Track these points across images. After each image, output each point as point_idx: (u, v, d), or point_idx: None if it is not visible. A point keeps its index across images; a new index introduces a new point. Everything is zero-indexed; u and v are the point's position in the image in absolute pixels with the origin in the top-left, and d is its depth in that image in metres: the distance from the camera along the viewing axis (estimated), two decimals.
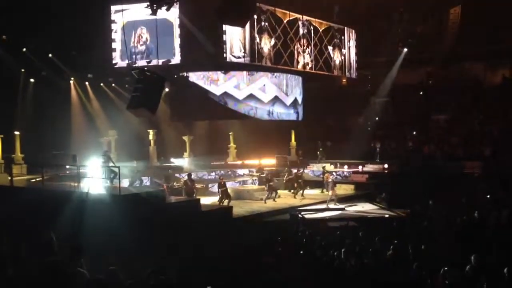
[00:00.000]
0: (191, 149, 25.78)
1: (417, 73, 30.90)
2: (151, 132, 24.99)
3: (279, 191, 21.31)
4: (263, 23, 24.16)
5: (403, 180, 21.12)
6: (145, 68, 12.48)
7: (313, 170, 25.37)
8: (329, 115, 30.79)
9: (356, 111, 30.39)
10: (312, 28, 27.00)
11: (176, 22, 22.60)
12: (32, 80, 23.41)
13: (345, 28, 28.96)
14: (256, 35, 23.87)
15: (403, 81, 30.00)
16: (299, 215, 16.71)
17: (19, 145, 20.96)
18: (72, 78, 24.81)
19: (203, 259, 9.34)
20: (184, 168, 23.92)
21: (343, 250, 9.09)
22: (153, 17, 11.44)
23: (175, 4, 12.02)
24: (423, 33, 28.56)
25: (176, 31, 22.69)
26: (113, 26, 22.97)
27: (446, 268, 7.21)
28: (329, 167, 23.76)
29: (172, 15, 21.59)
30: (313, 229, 12.92)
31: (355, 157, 25.68)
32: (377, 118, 30.52)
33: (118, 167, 14.93)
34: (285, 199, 21.12)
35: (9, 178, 17.03)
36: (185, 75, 24.86)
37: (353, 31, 29.52)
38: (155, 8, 11.21)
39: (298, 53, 26.23)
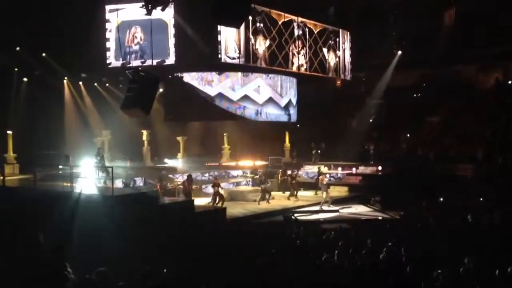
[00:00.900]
0: (185, 150, 25.73)
1: (411, 75, 31.00)
2: (145, 132, 24.92)
3: (273, 193, 21.31)
4: (258, 24, 24.14)
5: (397, 182, 21.19)
6: (139, 68, 12.43)
7: (307, 171, 25.38)
8: (323, 117, 30.82)
9: (350, 113, 30.45)
10: (307, 29, 27.02)
11: (171, 22, 22.54)
12: (25, 79, 23.29)
13: (340, 30, 29.01)
14: (251, 36, 23.86)
15: (397, 83, 30.09)
16: (293, 217, 16.71)
17: (11, 145, 20.83)
18: (66, 78, 24.70)
19: (197, 260, 9.30)
20: (178, 168, 23.87)
21: (336, 252, 9.08)
22: (148, 17, 11.39)
23: (170, 4, 11.95)
24: (417, 36, 28.65)
25: (171, 32, 22.63)
26: (107, 25, 22.87)
27: (439, 270, 7.21)
28: (323, 168, 23.78)
29: (167, 15, 21.54)
30: (306, 231, 12.91)
31: (348, 159, 25.73)
32: (371, 120, 30.59)
33: (112, 167, 14.87)
34: (279, 200, 21.13)
35: (1, 177, 16.90)
36: (179, 75, 24.80)
37: (348, 33, 29.57)
38: (150, 8, 11.15)
39: (293, 54, 26.23)
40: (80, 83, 25.11)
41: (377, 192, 20.63)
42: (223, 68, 24.64)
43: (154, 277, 6.77)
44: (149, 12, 11.00)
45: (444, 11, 27.14)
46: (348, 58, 29.75)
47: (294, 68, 26.48)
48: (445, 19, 27.36)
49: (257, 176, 22.33)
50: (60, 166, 18.25)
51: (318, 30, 27.74)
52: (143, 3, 11.12)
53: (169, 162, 25.07)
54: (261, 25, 24.30)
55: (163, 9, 11.37)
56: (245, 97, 25.51)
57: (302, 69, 26.97)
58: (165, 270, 7.40)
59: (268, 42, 24.68)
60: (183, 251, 10.33)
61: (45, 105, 22.76)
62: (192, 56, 23.00)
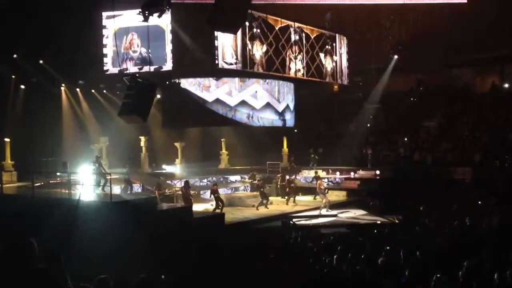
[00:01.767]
0: (183, 156, 25.73)
1: (408, 80, 31.12)
2: (142, 138, 24.91)
3: (271, 198, 21.31)
4: (255, 30, 24.20)
5: (395, 186, 21.22)
6: (137, 75, 12.46)
7: (305, 176, 25.39)
8: (321, 122, 30.88)
9: (348, 118, 30.52)
10: (303, 35, 27.09)
11: (168, 28, 22.60)
12: (22, 86, 23.27)
13: (337, 35, 29.10)
14: (248, 42, 23.91)
15: (394, 88, 30.20)
16: (291, 222, 16.72)
17: (9, 152, 20.80)
18: (63, 85, 24.69)
19: (195, 266, 9.29)
20: (175, 174, 23.86)
21: (335, 256, 9.08)
22: (145, 23, 11.44)
23: (166, 11, 12.00)
24: (413, 40, 28.77)
25: (168, 38, 22.69)
26: (104, 32, 22.91)
27: (438, 275, 7.21)
28: (321, 173, 23.79)
29: (164, 21, 21.58)
30: (305, 236, 12.92)
31: (346, 164, 25.76)
32: (368, 125, 30.66)
33: (109, 173, 14.87)
34: (277, 205, 21.13)
35: None
36: (177, 81, 24.83)
37: (345, 38, 29.67)
38: (147, 15, 11.21)
39: (290, 59, 26.28)
40: (78, 89, 25.10)
41: (376, 197, 20.65)
42: (220, 73, 24.67)
43: (151, 284, 6.75)
44: (146, 19, 11.06)
45: (439, 16, 27.25)
46: (345, 63, 29.81)
47: (291, 73, 26.52)
48: (439, 24, 27.46)
49: (256, 181, 22.33)
50: (58, 173, 18.24)
51: (315, 35, 27.82)
52: (140, 10, 11.17)
53: (167, 168, 25.07)
54: (258, 30, 24.35)
55: (159, 16, 11.44)
56: (243, 103, 25.52)
57: (299, 74, 27.01)
58: (163, 277, 7.38)
59: (265, 48, 24.74)
60: (181, 257, 10.31)
61: (42, 112, 22.75)
62: (189, 62, 23.05)
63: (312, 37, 27.65)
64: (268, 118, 26.41)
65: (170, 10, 16.91)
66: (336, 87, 30.37)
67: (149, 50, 21.98)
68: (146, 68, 21.96)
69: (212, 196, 19.13)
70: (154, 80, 11.58)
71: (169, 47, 22.71)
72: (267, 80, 26.46)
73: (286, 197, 21.77)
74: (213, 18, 8.54)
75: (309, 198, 22.67)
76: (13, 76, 22.75)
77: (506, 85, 29.26)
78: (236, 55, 23.60)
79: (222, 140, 27.24)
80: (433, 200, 17.73)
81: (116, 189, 17.88)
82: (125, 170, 20.58)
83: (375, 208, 19.86)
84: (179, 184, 21.08)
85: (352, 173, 24.95)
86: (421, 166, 24.21)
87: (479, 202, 17.54)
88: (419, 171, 23.23)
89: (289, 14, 25.81)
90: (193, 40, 22.59)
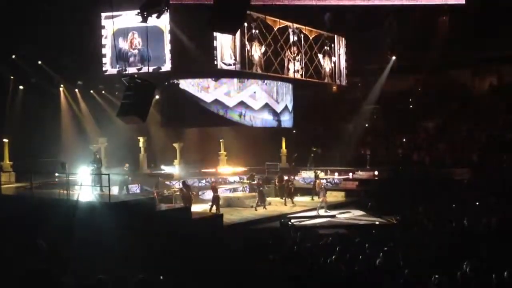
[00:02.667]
0: (182, 156, 25.72)
1: (406, 80, 31.17)
2: (141, 139, 24.90)
3: (269, 199, 21.31)
4: (253, 31, 24.22)
5: (393, 186, 21.24)
6: (136, 75, 12.47)
7: (303, 177, 25.40)
8: (319, 122, 30.90)
9: (346, 118, 30.54)
10: (302, 35, 27.12)
11: (166, 29, 22.61)
12: (21, 87, 23.25)
13: (335, 35, 29.14)
14: (247, 43, 23.93)
15: (392, 88, 30.24)
16: (289, 223, 16.72)
17: (7, 153, 20.77)
18: (62, 85, 24.67)
19: (194, 267, 9.29)
20: (174, 175, 23.85)
21: (333, 257, 9.09)
22: (144, 24, 11.44)
23: (165, 11, 12.00)
24: (412, 41, 28.82)
25: (167, 38, 22.70)
26: (103, 32, 22.91)
27: (436, 276, 7.23)
28: (320, 173, 23.80)
29: (162, 22, 21.60)
30: (303, 237, 12.92)
31: (345, 164, 25.78)
32: (366, 125, 30.69)
33: (108, 174, 14.85)
34: (275, 206, 21.13)
35: None
36: (175, 82, 24.83)
37: (343, 38, 29.71)
38: (145, 15, 11.21)
39: (289, 60, 26.32)
40: (76, 90, 25.07)
41: (374, 197, 20.66)
42: (219, 74, 24.69)
43: (150, 284, 6.76)
44: (144, 19, 11.07)
45: (438, 17, 27.27)
46: (343, 64, 29.87)
47: (290, 74, 26.55)
48: (439, 24, 27.48)
49: (254, 182, 22.33)
50: (57, 174, 18.21)
51: (314, 36, 27.86)
52: (139, 11, 11.18)
53: (166, 169, 25.04)
54: (257, 31, 24.38)
55: (158, 16, 11.44)
56: (241, 103, 25.53)
57: (298, 75, 27.04)
58: (161, 277, 7.39)
59: (263, 48, 24.77)
60: (180, 258, 10.31)
61: (41, 112, 22.72)
62: (188, 63, 23.06)
63: (311, 38, 27.69)
64: (262, 118, 26.29)
65: (168, 10, 16.95)
66: (334, 87, 30.43)
67: (149, 49, 21.97)
68: (145, 69, 21.97)
69: (212, 193, 19.05)
70: (152, 81, 11.56)
71: (167, 47, 22.72)
72: (265, 81, 26.48)
73: (285, 198, 21.78)
74: (212, 19, 8.56)
75: (307, 198, 22.68)
76: (12, 77, 22.73)
77: (504, 86, 29.30)
78: (235, 55, 23.62)
79: (221, 140, 27.25)
80: (432, 201, 17.75)
81: (115, 189, 17.87)
82: (124, 170, 20.58)
83: (373, 208, 19.88)
84: (177, 184, 21.06)
85: (350, 174, 24.96)
86: (419, 167, 24.24)
87: (477, 203, 17.56)
88: (417, 171, 23.26)
89: (288, 15, 25.81)
90: (192, 41, 22.61)
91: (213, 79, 25.06)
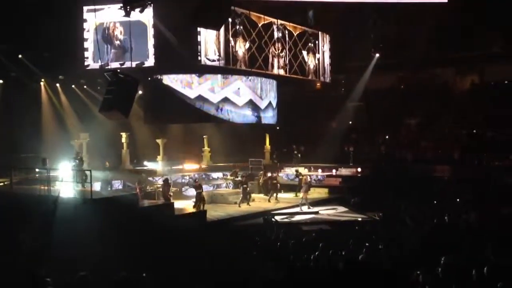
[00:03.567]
0: (165, 152, 25.56)
1: (389, 78, 31.42)
2: (124, 135, 24.67)
3: (253, 195, 21.31)
4: (237, 27, 24.16)
5: (376, 183, 21.42)
6: (118, 70, 12.33)
7: (287, 173, 25.47)
8: (303, 119, 30.99)
9: (330, 115, 30.69)
10: (286, 32, 27.14)
11: (150, 24, 22.40)
12: (1, 81, 22.85)
13: (319, 32, 29.21)
14: (231, 38, 23.85)
15: (375, 86, 30.46)
16: (273, 219, 16.75)
17: None
18: (43, 80, 24.30)
19: (177, 263, 9.25)
20: (157, 171, 23.70)
21: (316, 253, 9.12)
22: (127, 18, 11.30)
23: (148, 6, 11.87)
24: (395, 39, 29.05)
25: (150, 33, 22.49)
26: (85, 25, 22.59)
27: (418, 272, 7.30)
28: (303, 170, 23.88)
29: (146, 17, 21.40)
30: (286, 233, 12.95)
31: (328, 161, 25.91)
32: (350, 122, 30.88)
33: (90, 170, 14.69)
34: (259, 203, 21.16)
35: None
36: (159, 77, 24.63)
37: (327, 35, 29.81)
38: (128, 9, 11.07)
39: (273, 56, 26.32)
40: (58, 85, 24.71)
41: (357, 194, 20.82)
42: (203, 70, 24.56)
43: (132, 282, 6.71)
44: (127, 14, 10.92)
45: (422, 14, 27.52)
46: (327, 61, 29.97)
47: (274, 71, 26.55)
48: (423, 22, 27.73)
49: (238, 178, 22.31)
50: (37, 170, 17.96)
51: (298, 32, 27.89)
52: (122, 5, 11.03)
53: (149, 165, 24.87)
54: (241, 27, 24.31)
55: (141, 11, 11.30)
56: (225, 99, 25.44)
57: (282, 72, 27.06)
58: (144, 275, 7.34)
59: (248, 45, 24.71)
60: (163, 254, 10.26)
61: (21, 107, 22.37)
62: (171, 58, 22.88)
63: (295, 35, 27.72)
64: (239, 113, 25.96)
65: (152, 5, 16.79)
66: (318, 84, 30.53)
67: (132, 43, 21.71)
68: (127, 64, 21.73)
69: (195, 192, 18.98)
70: (136, 76, 11.43)
71: (151, 42, 22.51)
72: (249, 77, 26.42)
73: (268, 194, 21.81)
74: (196, 14, 8.50)
75: (291, 195, 22.75)
76: None
77: (485, 85, 29.73)
78: (219, 51, 23.52)
79: (204, 137, 27.14)
80: (413, 197, 17.95)
81: (97, 186, 17.71)
82: (106, 165, 20.40)
83: (356, 205, 20.03)
84: (160, 181, 20.94)
85: (334, 171, 25.12)
86: (401, 164, 24.49)
87: (458, 200, 17.80)
88: (399, 168, 23.49)
89: (273, 11, 25.80)
90: (176, 36, 22.42)
91: (197, 75, 24.90)
